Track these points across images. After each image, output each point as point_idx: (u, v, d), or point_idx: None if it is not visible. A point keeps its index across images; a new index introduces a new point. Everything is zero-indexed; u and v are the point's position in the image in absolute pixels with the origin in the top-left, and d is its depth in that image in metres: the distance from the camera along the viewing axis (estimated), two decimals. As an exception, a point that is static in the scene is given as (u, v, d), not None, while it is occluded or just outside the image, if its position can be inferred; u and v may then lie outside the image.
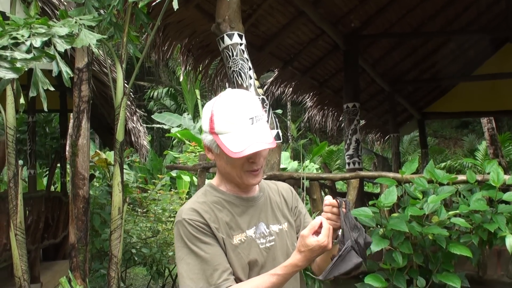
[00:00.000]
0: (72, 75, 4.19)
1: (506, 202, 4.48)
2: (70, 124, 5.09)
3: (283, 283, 2.44)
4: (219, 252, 2.48)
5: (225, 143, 2.43)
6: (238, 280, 2.51)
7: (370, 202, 4.39)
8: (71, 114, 5.11)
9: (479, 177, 4.79)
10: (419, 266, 4.46)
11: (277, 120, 5.49)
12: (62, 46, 4.06)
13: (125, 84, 5.05)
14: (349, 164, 10.10)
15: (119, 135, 4.96)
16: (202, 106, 27.33)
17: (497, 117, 22.63)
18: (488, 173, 4.58)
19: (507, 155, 24.74)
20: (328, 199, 2.48)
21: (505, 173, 4.70)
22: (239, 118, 2.43)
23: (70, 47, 4.17)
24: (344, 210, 2.49)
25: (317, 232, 2.35)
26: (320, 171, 21.01)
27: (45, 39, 4.03)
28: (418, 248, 4.43)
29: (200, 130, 22.31)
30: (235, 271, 2.51)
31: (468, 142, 29.73)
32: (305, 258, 2.37)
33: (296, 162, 20.65)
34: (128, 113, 9.17)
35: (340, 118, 14.96)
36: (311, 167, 22.16)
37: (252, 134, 2.44)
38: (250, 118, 2.44)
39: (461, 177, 4.89)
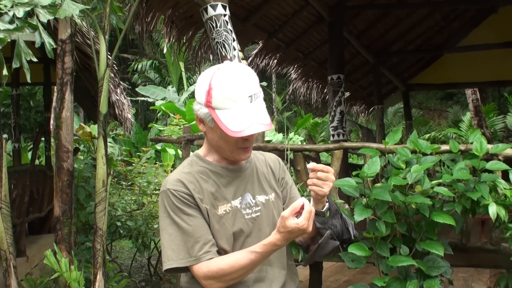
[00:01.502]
0: (55, 47, 4.17)
1: (489, 171, 4.51)
2: (54, 97, 5.06)
3: (261, 260, 2.46)
4: (202, 224, 2.50)
5: (223, 121, 2.41)
6: (222, 250, 2.53)
7: (354, 173, 4.41)
8: (55, 87, 5.08)
9: (462, 147, 4.81)
10: (402, 235, 4.49)
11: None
12: (45, 16, 4.03)
13: (108, 56, 5.01)
14: (333, 136, 10.11)
15: (103, 108, 4.94)
16: (187, 78, 27.28)
17: (481, 88, 22.72)
18: (471, 143, 4.60)
19: (491, 126, 24.90)
20: (312, 164, 2.48)
21: (489, 143, 4.73)
22: (239, 95, 2.41)
23: (53, 17, 4.13)
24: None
25: (299, 213, 2.34)
26: (305, 143, 21.03)
27: (28, 9, 4.00)
28: (401, 217, 4.46)
29: (185, 103, 22.32)
30: (220, 242, 2.52)
31: (453, 113, 29.80)
32: (283, 238, 2.37)
33: (281, 135, 20.66)
34: (111, 86, 9.13)
35: (325, 90, 14.96)
36: (296, 139, 22.21)
37: (251, 113, 2.43)
38: (250, 96, 2.43)
39: (444, 147, 4.92)
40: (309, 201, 2.50)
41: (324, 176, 2.46)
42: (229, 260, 2.45)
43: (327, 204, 2.58)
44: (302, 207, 2.34)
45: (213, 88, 2.43)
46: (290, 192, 2.83)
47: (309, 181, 2.49)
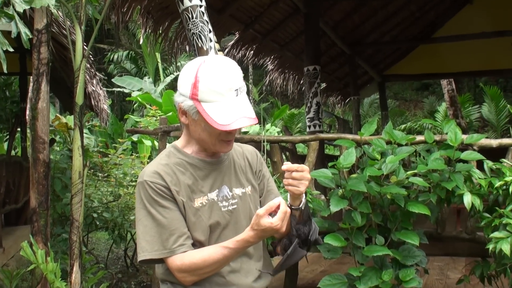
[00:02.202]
0: (31, 37, 4.14)
1: (464, 161, 4.55)
2: (30, 88, 5.03)
3: (234, 256, 2.48)
4: (177, 217, 2.51)
5: (210, 114, 2.42)
6: (198, 242, 2.54)
7: (330, 164, 4.44)
8: (31, 77, 5.05)
9: (437, 137, 4.86)
10: (378, 225, 4.53)
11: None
12: (20, 6, 4.00)
13: (84, 47, 4.99)
14: (309, 127, 10.13)
15: (79, 99, 4.92)
16: (163, 69, 27.18)
17: (457, 78, 22.90)
18: (446, 133, 4.64)
19: (467, 116, 25.09)
20: (286, 164, 2.49)
21: (464, 134, 4.78)
22: (225, 88, 2.42)
23: (29, 7, 4.10)
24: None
25: (275, 212, 2.36)
26: (281, 134, 21.07)
27: (3, -1, 3.97)
28: (377, 208, 4.49)
29: (161, 94, 22.25)
30: (196, 234, 2.54)
31: (428, 104, 29.96)
32: (256, 236, 2.39)
33: (258, 126, 20.67)
34: (87, 76, 9.07)
35: (301, 81, 14.96)
36: (273, 131, 22.23)
37: (237, 107, 2.44)
38: (236, 90, 2.44)
39: (420, 138, 4.96)
40: (286, 197, 2.54)
41: (299, 176, 2.48)
42: (202, 254, 2.47)
43: (304, 199, 2.60)
44: (278, 207, 2.35)
45: (200, 80, 2.43)
46: (267, 185, 2.84)
47: (284, 181, 2.50)
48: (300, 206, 2.58)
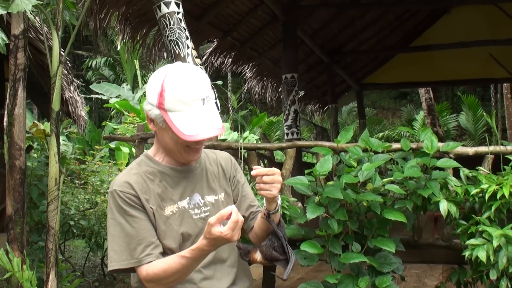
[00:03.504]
0: (8, 42, 4.12)
1: (441, 169, 4.58)
2: (7, 94, 5.00)
3: (193, 264, 2.47)
4: (146, 226, 2.52)
5: (176, 123, 2.42)
6: (169, 250, 2.56)
7: (306, 171, 4.44)
8: (8, 83, 5.02)
9: (413, 145, 4.88)
10: (354, 232, 4.54)
11: (215, 90, 5.49)
12: (-3, 11, 3.98)
13: (61, 52, 4.97)
14: (287, 134, 10.17)
15: (55, 105, 4.89)
16: (142, 76, 27.11)
17: (434, 87, 23.05)
18: (423, 141, 4.67)
19: (445, 125, 25.31)
20: (255, 170, 2.51)
21: (442, 142, 4.81)
22: (191, 98, 2.42)
23: (5, 12, 4.09)
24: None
25: (228, 220, 2.34)
26: (259, 141, 21.09)
27: (-21, 4, 3.95)
28: (353, 215, 4.50)
29: (139, 101, 22.20)
30: (166, 242, 2.55)
31: (406, 112, 30.19)
32: (210, 244, 2.37)
33: (236, 133, 20.69)
34: (65, 83, 9.03)
35: (279, 89, 15.01)
36: (251, 138, 22.26)
37: (203, 116, 2.45)
38: (202, 99, 2.44)
39: (396, 145, 4.99)
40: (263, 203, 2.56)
41: (269, 179, 2.50)
42: (162, 265, 2.47)
43: (279, 201, 2.61)
44: (230, 216, 2.34)
45: (166, 90, 2.43)
46: (242, 190, 2.85)
47: (256, 186, 2.52)
48: (277, 209, 2.59)
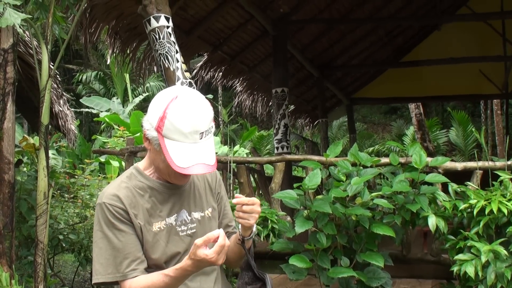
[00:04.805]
0: (-4, 56, 4.12)
1: (429, 184, 4.59)
2: (-4, 108, 5.00)
3: (176, 284, 2.48)
4: (133, 241, 2.52)
5: (170, 152, 2.42)
6: (155, 266, 2.55)
7: (295, 185, 4.45)
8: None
9: (402, 160, 4.90)
10: (343, 246, 4.54)
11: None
12: (-14, 26, 3.99)
13: (51, 66, 4.97)
14: (277, 148, 10.18)
15: (44, 118, 4.89)
16: (132, 90, 27.08)
17: (424, 102, 23.13)
18: (411, 156, 4.69)
19: (435, 140, 25.36)
20: (238, 198, 2.54)
21: (432, 157, 4.83)
22: (190, 131, 2.41)
23: (-6, 26, 4.10)
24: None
25: (215, 243, 2.35)
26: (250, 155, 21.10)
27: (-32, 18, 3.95)
28: (342, 229, 4.51)
29: (129, 115, 22.16)
30: (153, 257, 2.55)
31: (396, 127, 30.26)
32: (194, 265, 2.38)
33: (226, 147, 20.67)
34: (54, 96, 9.02)
35: (270, 103, 15.03)
36: (241, 152, 22.24)
37: (198, 151, 2.44)
38: (201, 133, 2.44)
39: (384, 160, 5.01)
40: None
41: (249, 209, 2.52)
42: (146, 281, 2.47)
43: (254, 229, 2.63)
44: (217, 239, 2.34)
45: (167, 117, 2.41)
46: (224, 208, 2.88)
47: (235, 213, 2.54)
48: (251, 236, 2.62)
